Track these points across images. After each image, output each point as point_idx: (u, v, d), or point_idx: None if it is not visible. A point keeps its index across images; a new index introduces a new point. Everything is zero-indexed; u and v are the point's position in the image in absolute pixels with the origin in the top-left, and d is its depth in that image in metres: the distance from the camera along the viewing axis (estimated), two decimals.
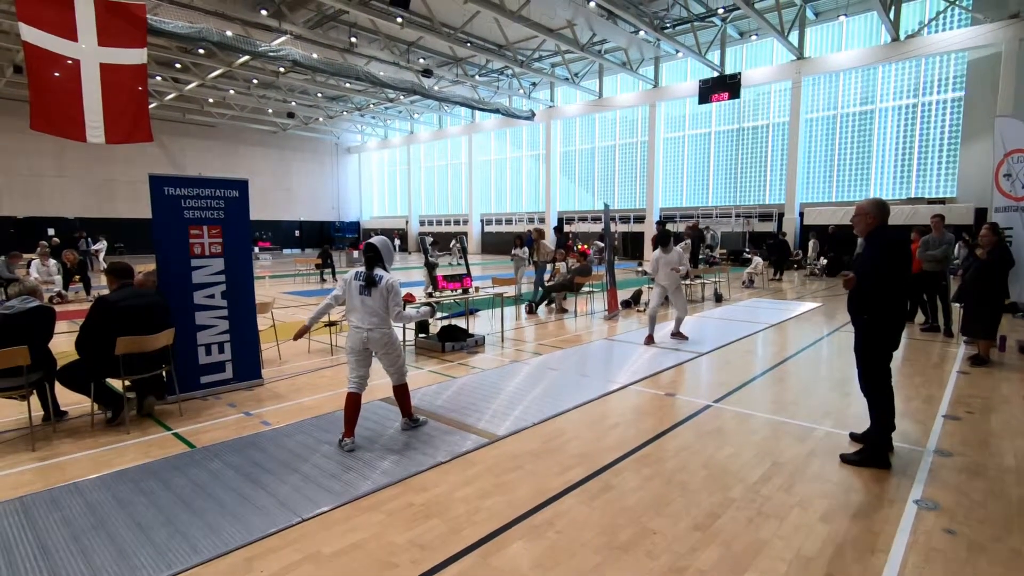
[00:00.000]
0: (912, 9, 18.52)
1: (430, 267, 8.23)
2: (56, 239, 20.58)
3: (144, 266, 5.73)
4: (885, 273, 3.64)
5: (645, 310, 10.78)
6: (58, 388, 4.55)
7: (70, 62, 5.09)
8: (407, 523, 3.02)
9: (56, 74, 5.10)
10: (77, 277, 12.91)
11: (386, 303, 3.99)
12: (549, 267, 12.05)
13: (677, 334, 7.93)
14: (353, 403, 4.02)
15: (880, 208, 3.78)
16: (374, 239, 4.09)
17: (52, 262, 12.64)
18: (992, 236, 6.48)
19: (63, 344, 6.33)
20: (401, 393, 4.32)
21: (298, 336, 4.33)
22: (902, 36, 18.12)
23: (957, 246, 11.69)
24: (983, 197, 16.39)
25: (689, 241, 14.79)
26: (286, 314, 10.41)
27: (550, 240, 13.13)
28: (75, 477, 3.60)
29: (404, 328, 7.11)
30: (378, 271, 4.00)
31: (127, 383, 4.57)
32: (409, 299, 6.92)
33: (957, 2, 17.22)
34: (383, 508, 3.19)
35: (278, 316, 9.34)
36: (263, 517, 3.07)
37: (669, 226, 16.62)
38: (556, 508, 3.18)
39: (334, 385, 5.77)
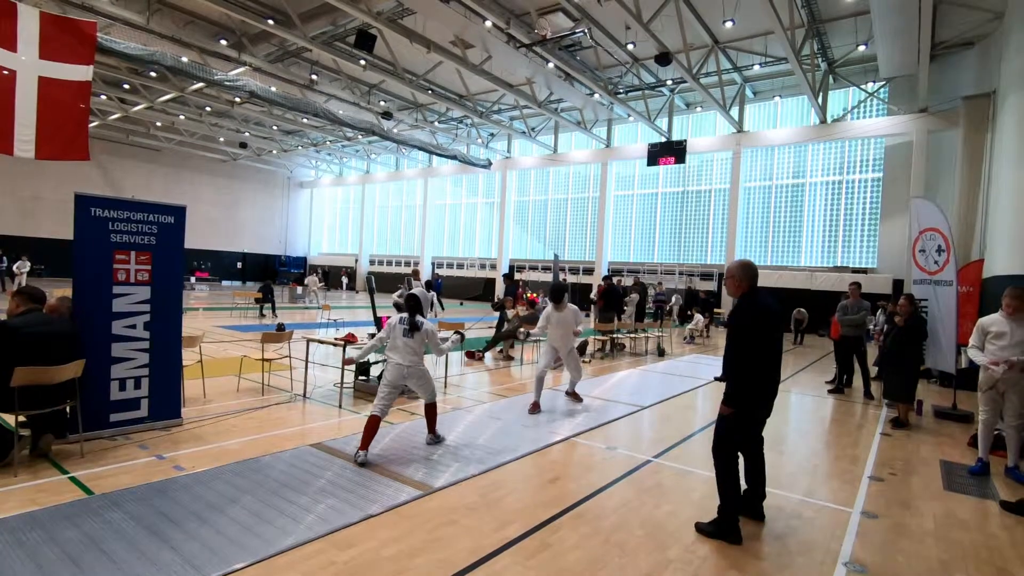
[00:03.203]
0: (838, 97, 20.47)
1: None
2: None
3: (63, 290, 5.30)
4: (751, 339, 3.49)
5: (590, 361, 10.91)
6: None
7: (6, 72, 4.82)
8: None
9: None
10: None
11: (424, 343, 4.90)
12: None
13: (572, 394, 7.19)
14: (373, 424, 4.60)
15: (746, 270, 3.62)
16: (416, 291, 5.06)
17: None
18: (909, 306, 6.96)
19: None
20: (431, 411, 5.11)
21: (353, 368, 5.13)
22: (829, 120, 19.93)
23: (878, 313, 12.50)
24: (900, 269, 17.80)
25: (636, 295, 15.22)
26: (218, 349, 9.82)
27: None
28: None
29: (343, 370, 6.90)
30: (419, 318, 4.88)
31: (22, 418, 4.11)
32: (351, 339, 6.75)
33: (875, 95, 19.18)
34: (301, 567, 2.93)
35: (209, 351, 8.79)
36: None
37: (615, 279, 17.01)
38: (490, 568, 3.02)
39: (264, 427, 5.40)
